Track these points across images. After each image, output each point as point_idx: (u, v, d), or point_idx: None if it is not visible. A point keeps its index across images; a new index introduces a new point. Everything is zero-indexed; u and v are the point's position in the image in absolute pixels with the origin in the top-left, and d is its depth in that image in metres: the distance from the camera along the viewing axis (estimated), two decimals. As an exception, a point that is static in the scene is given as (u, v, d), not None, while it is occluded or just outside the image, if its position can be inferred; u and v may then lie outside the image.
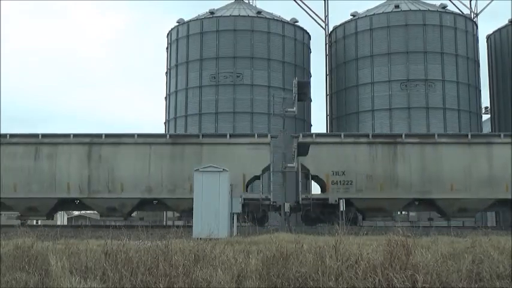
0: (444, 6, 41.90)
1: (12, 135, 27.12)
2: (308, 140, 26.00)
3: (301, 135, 27.05)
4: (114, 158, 26.16)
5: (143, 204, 26.96)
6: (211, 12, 42.52)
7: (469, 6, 47.11)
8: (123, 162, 26.07)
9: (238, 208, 20.23)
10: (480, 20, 47.77)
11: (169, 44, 44.24)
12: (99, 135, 26.87)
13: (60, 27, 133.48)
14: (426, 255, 8.51)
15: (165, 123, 43.96)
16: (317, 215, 25.41)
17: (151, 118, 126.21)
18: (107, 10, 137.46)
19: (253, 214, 24.11)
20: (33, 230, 12.48)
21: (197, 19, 42.74)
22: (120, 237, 10.03)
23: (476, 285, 7.87)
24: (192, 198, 19.32)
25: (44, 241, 11.17)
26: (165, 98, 44.34)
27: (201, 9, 77.34)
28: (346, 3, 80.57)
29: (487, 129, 46.97)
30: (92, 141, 26.49)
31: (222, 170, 19.32)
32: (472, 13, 46.52)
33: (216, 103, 40.13)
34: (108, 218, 27.25)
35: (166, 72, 44.33)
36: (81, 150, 26.35)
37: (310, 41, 45.10)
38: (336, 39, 44.30)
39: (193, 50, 41.56)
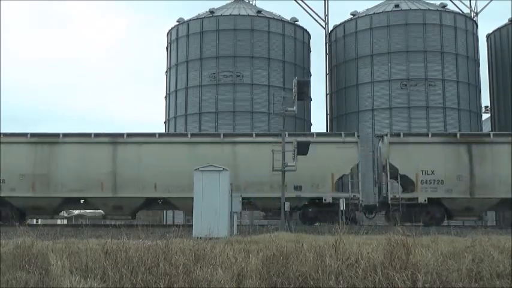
0: (444, 6, 41.89)
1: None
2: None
3: None
4: None
5: None
6: (211, 12, 42.53)
7: (469, 5, 47.18)
8: None
9: (238, 207, 20.21)
10: (480, 19, 47.80)
11: (169, 43, 44.24)
12: None
13: (61, 28, 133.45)
14: (426, 254, 8.52)
15: (165, 122, 43.97)
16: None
17: (152, 118, 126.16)
18: (107, 11, 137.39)
19: None
20: (33, 230, 12.48)
21: (197, 18, 42.75)
22: (120, 236, 10.03)
23: (476, 285, 7.87)
24: None
25: (44, 240, 11.18)
26: (165, 97, 44.35)
27: (201, 9, 77.39)
28: (346, 3, 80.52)
29: (487, 128, 46.97)
30: None
31: (222, 169, 19.31)
32: (472, 12, 46.55)
33: (216, 102, 40.13)
34: None
35: (166, 72, 44.34)
36: None
37: (310, 40, 45.13)
38: (336, 38, 44.29)
39: (193, 49, 41.56)
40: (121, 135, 26.79)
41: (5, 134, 27.04)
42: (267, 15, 42.46)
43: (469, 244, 10.14)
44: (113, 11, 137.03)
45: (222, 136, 27.12)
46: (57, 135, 26.84)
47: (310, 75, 44.01)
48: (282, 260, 8.42)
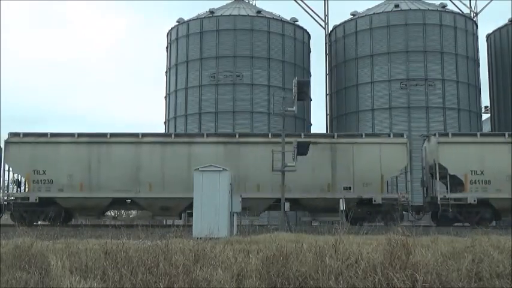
0: (444, 6, 41.91)
1: None
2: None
3: None
4: None
5: None
6: (211, 12, 42.54)
7: (468, 5, 47.18)
8: None
9: (238, 207, 20.15)
10: (480, 19, 47.88)
11: (169, 44, 44.25)
12: None
13: (61, 29, 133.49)
14: (426, 254, 8.50)
15: (165, 122, 43.99)
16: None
17: (152, 118, 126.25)
18: (107, 11, 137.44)
19: None
20: (32, 230, 12.47)
21: (197, 18, 42.76)
22: (120, 236, 10.03)
23: (476, 285, 7.86)
24: None
25: (43, 240, 11.17)
26: (165, 97, 44.37)
27: (201, 9, 77.35)
28: (346, 3, 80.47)
29: (487, 128, 46.98)
30: None
31: (222, 169, 19.29)
32: (472, 12, 46.55)
33: (215, 102, 40.15)
34: None
35: (166, 72, 44.35)
36: None
37: (310, 41, 45.15)
38: (336, 38, 44.30)
39: (193, 49, 41.58)
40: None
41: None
42: (267, 15, 42.47)
43: (469, 244, 10.14)
44: (113, 11, 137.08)
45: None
46: None
47: (310, 75, 44.03)
48: (281, 260, 8.41)
